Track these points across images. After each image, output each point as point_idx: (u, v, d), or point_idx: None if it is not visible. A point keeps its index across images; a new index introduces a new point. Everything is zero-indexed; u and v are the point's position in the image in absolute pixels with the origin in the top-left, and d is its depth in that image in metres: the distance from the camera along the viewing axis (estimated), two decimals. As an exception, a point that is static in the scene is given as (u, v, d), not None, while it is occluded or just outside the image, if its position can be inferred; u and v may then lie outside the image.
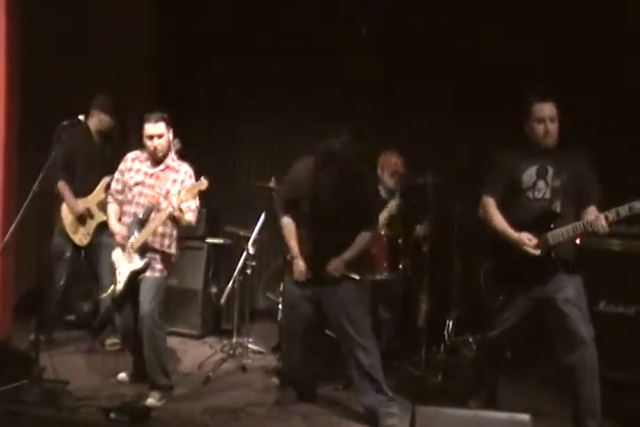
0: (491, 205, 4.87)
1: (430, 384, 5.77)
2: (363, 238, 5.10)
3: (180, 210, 4.98)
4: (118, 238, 5.18)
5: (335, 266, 5.01)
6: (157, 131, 5.13)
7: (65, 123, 5.13)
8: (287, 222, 5.27)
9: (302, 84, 7.39)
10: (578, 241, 4.81)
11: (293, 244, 5.21)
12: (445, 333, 6.37)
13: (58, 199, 6.23)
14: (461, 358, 6.31)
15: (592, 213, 4.57)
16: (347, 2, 7.10)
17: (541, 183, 4.75)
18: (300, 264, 5.12)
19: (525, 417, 4.05)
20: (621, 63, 6.29)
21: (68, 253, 6.27)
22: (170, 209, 4.93)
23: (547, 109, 4.71)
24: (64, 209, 6.23)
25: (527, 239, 4.68)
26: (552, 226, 4.66)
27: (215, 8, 7.56)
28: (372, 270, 5.72)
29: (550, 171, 4.74)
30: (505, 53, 6.61)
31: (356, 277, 5.06)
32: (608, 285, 5.68)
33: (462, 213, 6.29)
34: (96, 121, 6.29)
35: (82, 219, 6.17)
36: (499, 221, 4.81)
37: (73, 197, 6.16)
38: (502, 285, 4.90)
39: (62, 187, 6.17)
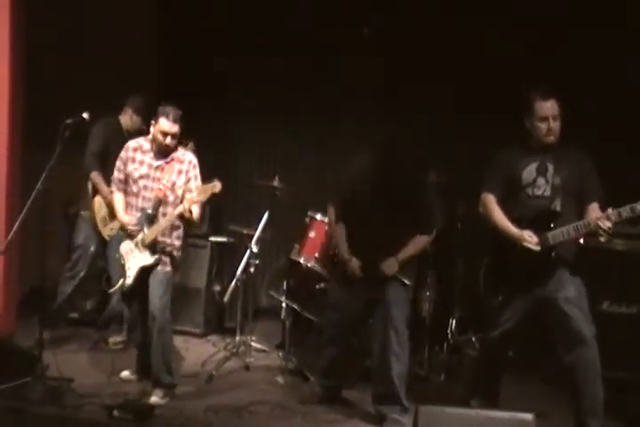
0: (491, 202, 4.81)
1: (433, 384, 5.79)
2: (419, 241, 5.01)
3: (190, 211, 4.99)
4: (130, 228, 5.17)
5: (390, 264, 4.93)
6: (173, 130, 5.14)
7: (69, 121, 5.10)
8: (340, 228, 5.21)
9: (302, 84, 7.42)
10: (581, 240, 4.76)
11: (344, 246, 5.12)
12: (449, 332, 6.35)
13: (92, 191, 6.28)
14: (464, 357, 6.29)
15: (594, 212, 4.53)
16: (347, 2, 7.13)
17: (541, 180, 4.69)
18: (354, 262, 5.02)
19: (528, 416, 4.03)
20: (621, 63, 6.31)
21: (92, 248, 6.34)
22: (180, 210, 4.95)
23: (549, 108, 4.63)
24: (97, 202, 6.27)
25: (528, 236, 4.63)
26: (552, 225, 4.61)
27: (215, 8, 7.58)
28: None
29: (550, 168, 4.69)
30: (505, 53, 6.63)
31: (406, 281, 4.98)
32: (611, 284, 5.67)
33: (465, 213, 6.30)
34: (128, 119, 6.36)
35: (112, 213, 6.14)
36: (499, 217, 4.76)
37: (107, 186, 6.11)
38: (501, 284, 4.85)
39: (96, 177, 6.20)
